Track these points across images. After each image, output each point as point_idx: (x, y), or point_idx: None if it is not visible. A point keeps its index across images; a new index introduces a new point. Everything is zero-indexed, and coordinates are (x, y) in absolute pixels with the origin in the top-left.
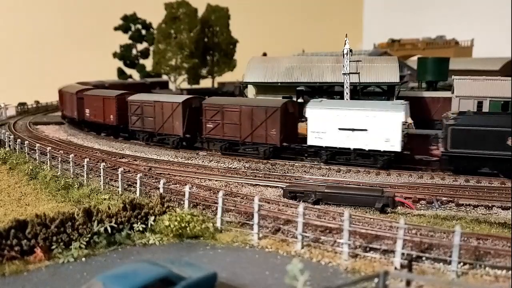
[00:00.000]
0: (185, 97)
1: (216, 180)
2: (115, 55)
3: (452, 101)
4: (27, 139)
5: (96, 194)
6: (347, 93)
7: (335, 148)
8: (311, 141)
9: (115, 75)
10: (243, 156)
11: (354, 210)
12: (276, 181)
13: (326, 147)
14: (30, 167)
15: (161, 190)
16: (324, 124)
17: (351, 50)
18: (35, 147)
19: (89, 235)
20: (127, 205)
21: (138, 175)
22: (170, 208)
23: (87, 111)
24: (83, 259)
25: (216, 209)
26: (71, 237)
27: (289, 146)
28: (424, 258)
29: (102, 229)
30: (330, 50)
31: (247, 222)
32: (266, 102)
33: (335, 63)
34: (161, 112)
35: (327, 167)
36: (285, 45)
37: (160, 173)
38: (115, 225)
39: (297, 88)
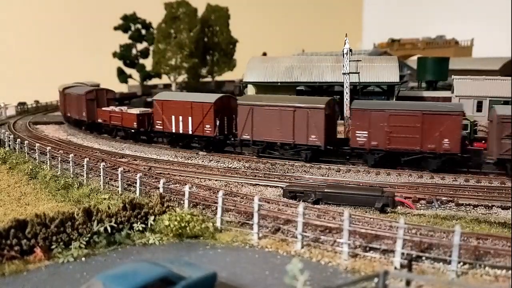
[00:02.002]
0: None
1: (216, 180)
2: (115, 54)
3: (452, 101)
4: (27, 138)
5: (96, 194)
6: (347, 93)
7: None
8: None
9: (114, 75)
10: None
11: (354, 209)
12: (276, 181)
13: None
14: (30, 166)
15: (161, 190)
16: None
17: (351, 50)
18: (34, 146)
19: (89, 235)
20: (127, 205)
21: (138, 175)
22: (170, 207)
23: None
24: (83, 258)
25: (216, 208)
26: (71, 237)
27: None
28: (424, 258)
29: (102, 229)
30: (330, 50)
31: (247, 221)
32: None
33: (335, 63)
34: None
35: (327, 166)
36: (285, 45)
37: (160, 173)
38: (115, 225)
39: (297, 88)
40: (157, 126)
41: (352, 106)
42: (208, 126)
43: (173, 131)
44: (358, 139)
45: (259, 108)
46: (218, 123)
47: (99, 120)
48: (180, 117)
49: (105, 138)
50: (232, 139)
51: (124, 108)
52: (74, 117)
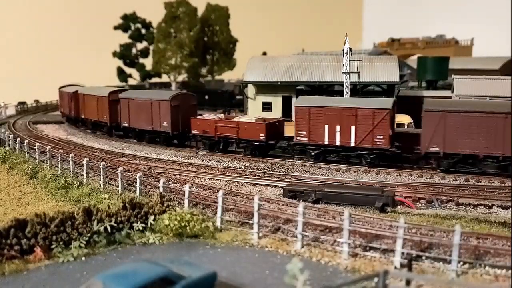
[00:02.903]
0: None
1: (216, 180)
2: (114, 54)
3: None
4: (26, 138)
5: (96, 193)
6: (347, 93)
7: None
8: None
9: (114, 75)
10: None
11: (354, 209)
12: (276, 180)
13: None
14: (30, 166)
15: (161, 189)
16: None
17: (351, 49)
18: (34, 146)
19: (89, 234)
20: (127, 204)
21: (138, 174)
22: (170, 207)
23: None
24: (83, 258)
25: (216, 208)
26: (71, 236)
27: None
28: (424, 258)
29: (102, 228)
30: (330, 49)
31: (247, 221)
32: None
33: (335, 62)
34: None
35: (327, 166)
36: (285, 45)
37: (160, 172)
38: (115, 224)
39: (297, 88)
40: (299, 138)
41: None
42: (380, 136)
43: (326, 143)
44: None
45: (455, 114)
46: (391, 132)
47: (195, 131)
48: (338, 127)
49: (105, 137)
50: (415, 151)
51: (221, 116)
52: (142, 127)
